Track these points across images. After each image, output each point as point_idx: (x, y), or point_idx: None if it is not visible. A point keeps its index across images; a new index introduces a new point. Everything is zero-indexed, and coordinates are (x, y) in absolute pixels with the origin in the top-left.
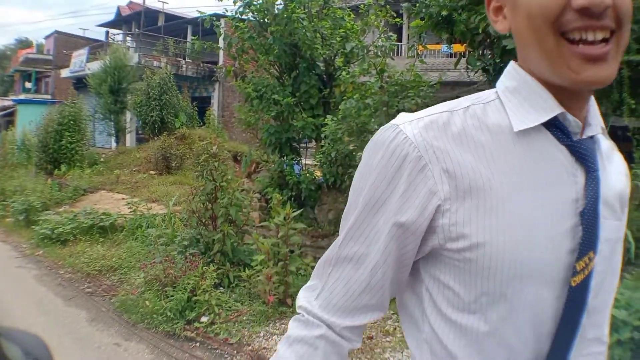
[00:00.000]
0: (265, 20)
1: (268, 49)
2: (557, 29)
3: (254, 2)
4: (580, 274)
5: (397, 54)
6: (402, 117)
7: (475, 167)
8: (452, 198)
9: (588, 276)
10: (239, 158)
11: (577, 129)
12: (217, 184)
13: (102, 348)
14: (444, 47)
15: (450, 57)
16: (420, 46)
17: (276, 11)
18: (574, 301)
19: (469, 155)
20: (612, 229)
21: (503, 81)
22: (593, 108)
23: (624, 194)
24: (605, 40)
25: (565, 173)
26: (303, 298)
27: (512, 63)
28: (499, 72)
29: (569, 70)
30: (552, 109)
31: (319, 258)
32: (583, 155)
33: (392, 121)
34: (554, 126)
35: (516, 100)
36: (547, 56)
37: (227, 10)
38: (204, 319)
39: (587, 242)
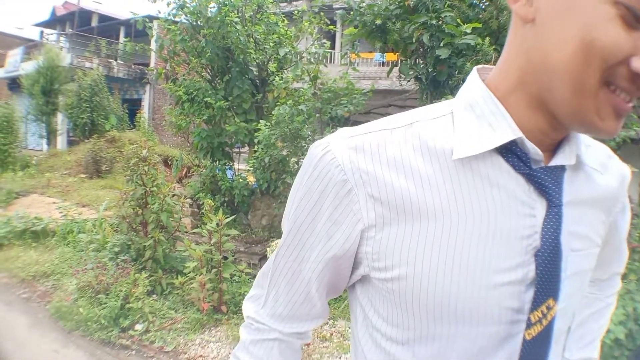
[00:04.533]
0: (198, 22)
1: (200, 51)
2: (606, 73)
3: (187, 5)
4: (537, 325)
5: (331, 61)
6: (338, 133)
7: (406, 192)
8: (377, 225)
9: (548, 326)
10: (169, 162)
11: (537, 156)
12: (147, 189)
13: (42, 355)
14: (376, 56)
15: (383, 65)
16: (353, 54)
17: (209, 14)
18: (533, 354)
19: (403, 179)
20: (584, 261)
21: (460, 93)
22: (574, 135)
23: (615, 194)
24: None
25: (517, 205)
26: (250, 309)
27: (474, 71)
28: (431, 81)
29: (596, 115)
30: (506, 133)
31: (253, 264)
32: (544, 186)
33: (326, 137)
34: (510, 151)
35: (467, 118)
36: (579, 92)
37: (160, 12)
38: (138, 326)
39: (544, 288)
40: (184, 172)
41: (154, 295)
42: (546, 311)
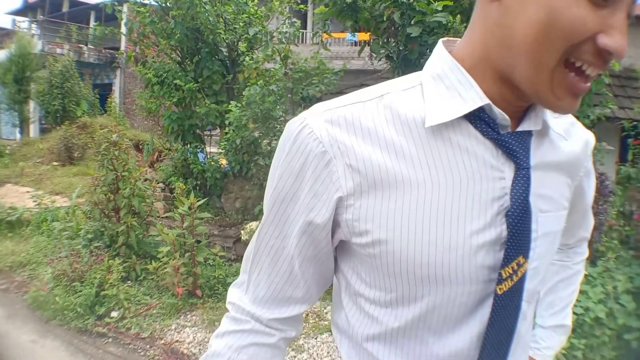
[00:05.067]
0: (167, 4)
1: (170, 33)
2: (568, 52)
3: None
4: (508, 281)
5: (302, 41)
6: (313, 109)
7: (382, 163)
8: (355, 194)
9: (519, 282)
10: (141, 147)
11: (504, 122)
12: (118, 174)
13: (21, 345)
14: (348, 36)
15: (355, 45)
16: (325, 34)
17: None
18: (504, 308)
19: (377, 150)
20: (553, 221)
21: (428, 65)
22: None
23: (579, 158)
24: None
25: (487, 169)
26: (233, 294)
27: (440, 44)
28: (403, 59)
29: (552, 95)
30: (474, 100)
31: (227, 247)
32: (511, 150)
33: (302, 114)
34: (479, 118)
35: (437, 88)
36: (537, 71)
37: None
38: (114, 313)
39: (515, 246)
40: (155, 156)
41: (129, 282)
42: (516, 267)
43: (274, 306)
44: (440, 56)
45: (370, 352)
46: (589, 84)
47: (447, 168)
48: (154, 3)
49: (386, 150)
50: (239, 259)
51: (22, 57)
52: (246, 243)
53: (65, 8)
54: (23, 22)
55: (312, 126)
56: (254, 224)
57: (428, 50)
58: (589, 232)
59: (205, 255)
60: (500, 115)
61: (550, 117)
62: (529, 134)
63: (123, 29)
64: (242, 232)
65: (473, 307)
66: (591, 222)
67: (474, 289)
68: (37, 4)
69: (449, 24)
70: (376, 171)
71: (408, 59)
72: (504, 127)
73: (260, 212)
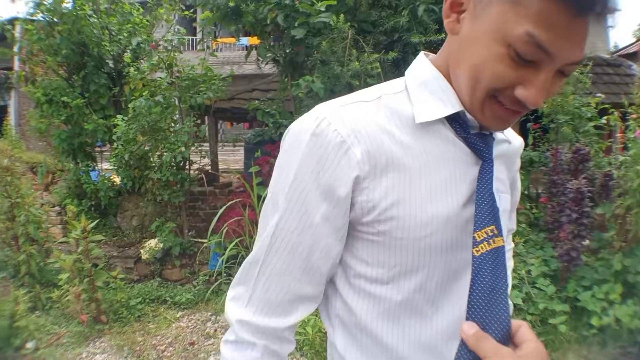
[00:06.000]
0: (54, 19)
1: (56, 49)
2: (492, 92)
3: (44, 2)
4: (484, 244)
5: (192, 48)
6: (323, 106)
7: (390, 149)
8: (370, 176)
9: (497, 249)
10: (35, 170)
11: (474, 124)
12: (13, 201)
13: None
14: (240, 40)
15: (246, 50)
16: (214, 40)
17: (64, 10)
18: (481, 264)
19: (386, 139)
20: (506, 201)
21: (412, 73)
22: None
23: (516, 156)
24: None
25: (467, 156)
26: (232, 311)
27: (422, 55)
28: (289, 62)
29: (482, 116)
30: (453, 106)
31: (127, 268)
32: (477, 147)
33: (310, 112)
34: (455, 120)
35: (422, 94)
36: (471, 99)
37: (18, 12)
38: (29, 344)
39: (486, 215)
40: (49, 179)
41: (37, 312)
42: (490, 234)
43: (283, 310)
44: (423, 66)
45: (374, 333)
46: (518, 114)
47: (438, 154)
48: (41, 19)
49: (391, 139)
50: (141, 279)
51: None
52: (147, 262)
53: None
54: None
55: (329, 119)
56: (152, 242)
57: (314, 52)
58: (514, 226)
59: (105, 279)
60: (471, 119)
61: None
62: (490, 134)
63: (17, 48)
64: (141, 251)
65: (463, 271)
66: (515, 217)
67: (466, 254)
68: None
69: (334, 24)
70: (387, 157)
71: (295, 61)
72: (474, 128)
73: (157, 228)
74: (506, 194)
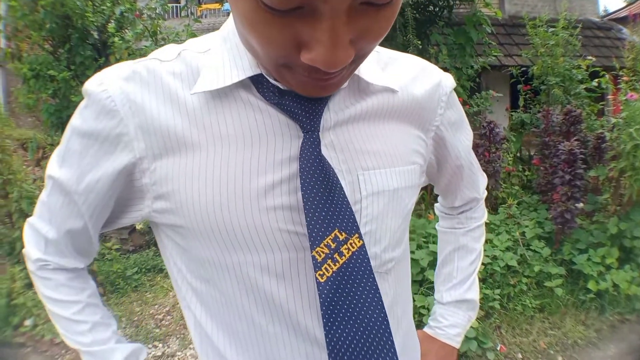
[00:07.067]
0: None
1: (41, 24)
2: (280, 63)
3: None
4: (328, 263)
5: (176, 15)
6: (115, 66)
7: (172, 126)
8: (148, 156)
9: (347, 266)
10: (25, 146)
11: (286, 88)
12: (4, 178)
13: None
14: (225, 5)
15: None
16: (198, 6)
17: None
18: (332, 294)
19: (170, 110)
20: (383, 178)
21: (224, 24)
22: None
23: (427, 107)
24: None
25: (283, 127)
26: (32, 251)
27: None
28: None
29: (289, 85)
30: (245, 70)
31: (122, 239)
32: (294, 113)
33: (104, 70)
34: (260, 83)
35: (221, 51)
36: (266, 69)
37: None
38: (27, 322)
39: (321, 218)
40: (40, 154)
41: (34, 288)
42: (334, 245)
43: (71, 257)
44: (231, 17)
45: (213, 343)
46: (336, 79)
47: (238, 127)
48: None
49: (177, 110)
50: (136, 249)
51: None
52: (142, 232)
53: None
54: None
55: (106, 83)
56: None
57: None
58: (479, 191)
59: (100, 250)
60: (275, 83)
61: (380, 70)
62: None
63: (1, 26)
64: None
65: (294, 278)
66: (481, 180)
67: (286, 256)
68: None
69: None
70: (165, 133)
71: None
72: (290, 92)
73: None
74: (384, 169)
